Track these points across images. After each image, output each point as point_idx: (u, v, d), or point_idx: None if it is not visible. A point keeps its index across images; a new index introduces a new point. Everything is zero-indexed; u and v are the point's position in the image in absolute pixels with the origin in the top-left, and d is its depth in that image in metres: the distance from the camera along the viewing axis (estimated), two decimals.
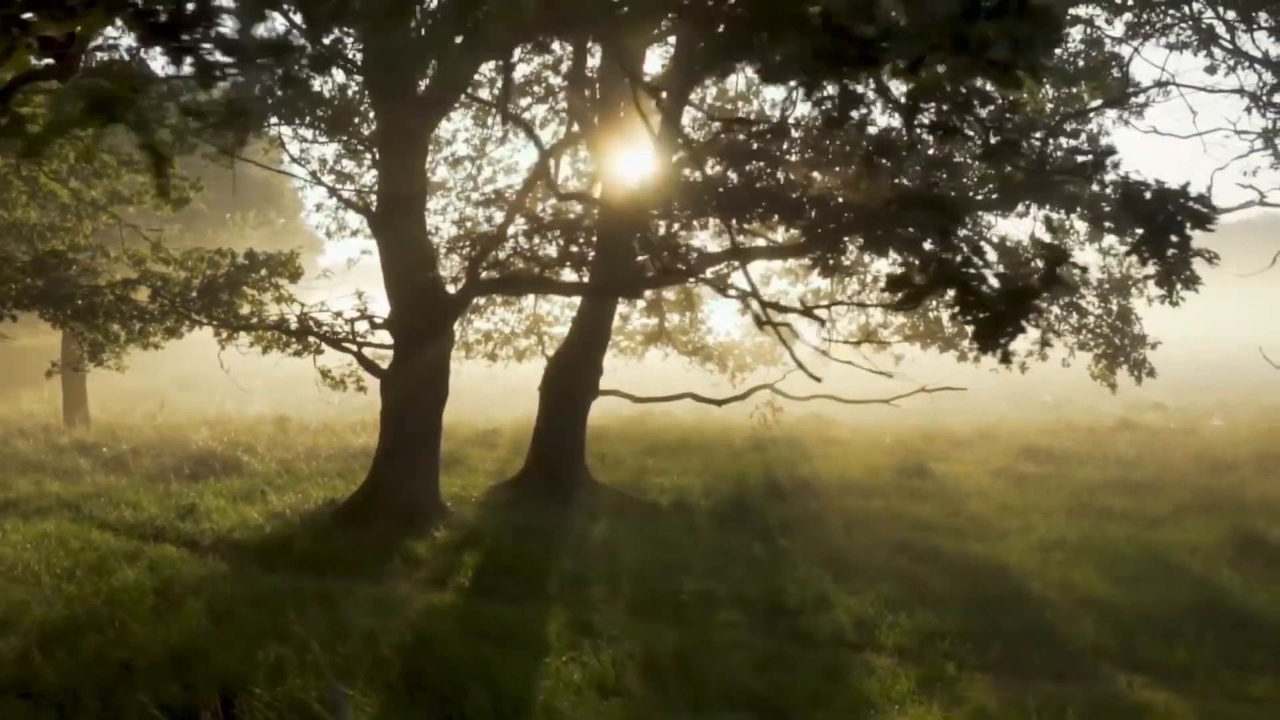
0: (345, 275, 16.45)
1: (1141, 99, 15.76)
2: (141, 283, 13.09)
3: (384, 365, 13.05)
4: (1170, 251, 3.46)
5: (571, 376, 15.05)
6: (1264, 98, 12.63)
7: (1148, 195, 4.04)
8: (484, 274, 12.78)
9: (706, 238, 13.81)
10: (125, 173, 14.72)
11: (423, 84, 12.13)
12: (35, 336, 27.33)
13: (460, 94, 13.06)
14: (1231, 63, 13.29)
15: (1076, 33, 15.53)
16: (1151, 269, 9.25)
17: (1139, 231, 4.95)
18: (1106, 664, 8.06)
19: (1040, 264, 4.15)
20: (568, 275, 12.96)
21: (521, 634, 8.02)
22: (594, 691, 6.99)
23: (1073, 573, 10.52)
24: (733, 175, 9.57)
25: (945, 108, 3.60)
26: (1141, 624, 8.66)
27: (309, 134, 13.66)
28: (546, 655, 7.49)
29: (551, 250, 12.20)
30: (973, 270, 3.41)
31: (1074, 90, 14.56)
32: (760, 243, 12.35)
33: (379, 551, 11.14)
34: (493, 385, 29.60)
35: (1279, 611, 9.15)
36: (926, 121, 3.67)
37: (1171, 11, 12.66)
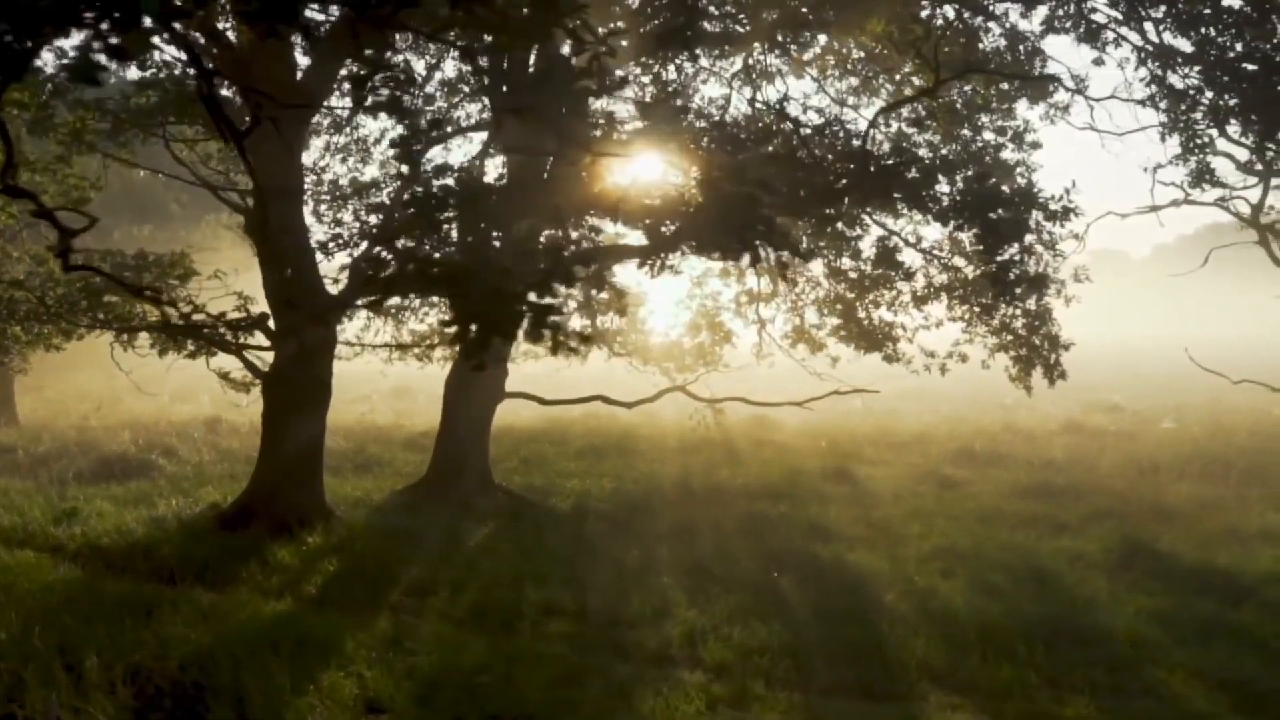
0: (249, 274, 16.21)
1: (1064, 98, 15.41)
2: (23, 285, 12.93)
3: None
4: (764, 240, 3.12)
5: (474, 379, 14.79)
6: (1157, 93, 12.19)
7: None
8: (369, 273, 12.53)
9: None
10: (25, 172, 14.54)
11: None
12: None
13: (331, 91, 12.85)
14: (1140, 55, 12.88)
15: (995, 28, 15.21)
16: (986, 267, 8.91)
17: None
18: (927, 682, 7.69)
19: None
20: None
21: (319, 646, 7.73)
22: (359, 708, 6.72)
23: (940, 583, 10.17)
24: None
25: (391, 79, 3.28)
26: (979, 639, 8.28)
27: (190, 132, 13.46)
28: (327, 669, 7.22)
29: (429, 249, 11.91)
30: (470, 269, 3.13)
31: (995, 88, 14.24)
32: (630, 241, 12.07)
33: (241, 558, 10.90)
34: None
35: (1132, 626, 8.75)
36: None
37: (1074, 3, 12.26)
